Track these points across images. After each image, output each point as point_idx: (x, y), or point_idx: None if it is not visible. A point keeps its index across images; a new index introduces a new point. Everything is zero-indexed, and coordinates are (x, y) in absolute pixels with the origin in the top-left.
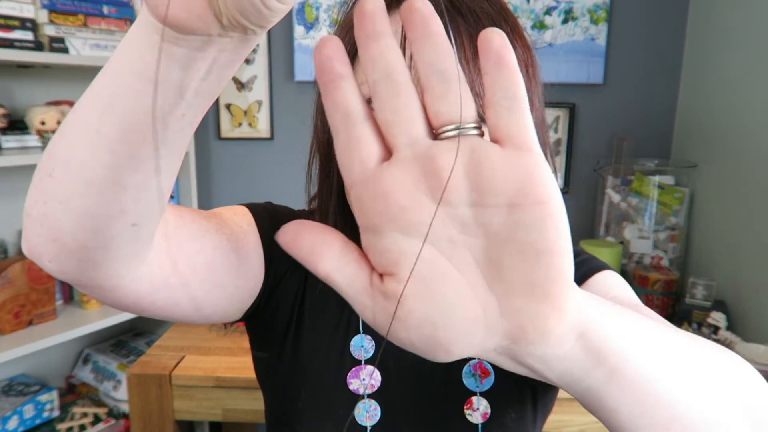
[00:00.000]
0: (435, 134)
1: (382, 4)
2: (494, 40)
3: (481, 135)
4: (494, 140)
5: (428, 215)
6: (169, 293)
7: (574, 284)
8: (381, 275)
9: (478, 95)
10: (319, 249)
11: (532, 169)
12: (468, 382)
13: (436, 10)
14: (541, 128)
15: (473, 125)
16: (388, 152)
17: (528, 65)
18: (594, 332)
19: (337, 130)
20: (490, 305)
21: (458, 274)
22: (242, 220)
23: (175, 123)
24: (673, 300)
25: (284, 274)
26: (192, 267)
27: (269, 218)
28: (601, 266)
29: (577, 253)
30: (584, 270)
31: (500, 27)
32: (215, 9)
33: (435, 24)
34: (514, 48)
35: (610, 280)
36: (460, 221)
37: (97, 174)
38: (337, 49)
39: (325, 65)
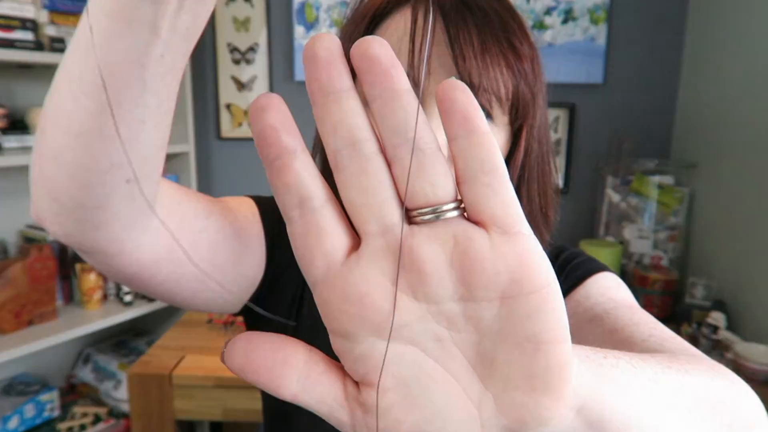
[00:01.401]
0: (408, 216)
1: (338, 47)
2: (458, 98)
3: (463, 213)
4: (475, 221)
5: (410, 316)
6: (172, 268)
7: (571, 361)
8: (357, 382)
9: (486, 90)
10: (278, 372)
11: (524, 256)
12: None
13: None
14: (544, 129)
15: (453, 205)
16: (353, 237)
17: (534, 63)
18: (593, 403)
19: (290, 218)
20: (485, 404)
21: (447, 375)
22: (247, 211)
23: (155, 66)
24: (672, 300)
25: (285, 269)
26: (195, 244)
27: (274, 212)
28: (598, 268)
29: (576, 255)
30: (581, 272)
31: (508, 24)
32: None
33: (400, 77)
34: (521, 45)
35: (606, 283)
36: (446, 318)
37: (83, 124)
38: (282, 114)
39: (269, 138)
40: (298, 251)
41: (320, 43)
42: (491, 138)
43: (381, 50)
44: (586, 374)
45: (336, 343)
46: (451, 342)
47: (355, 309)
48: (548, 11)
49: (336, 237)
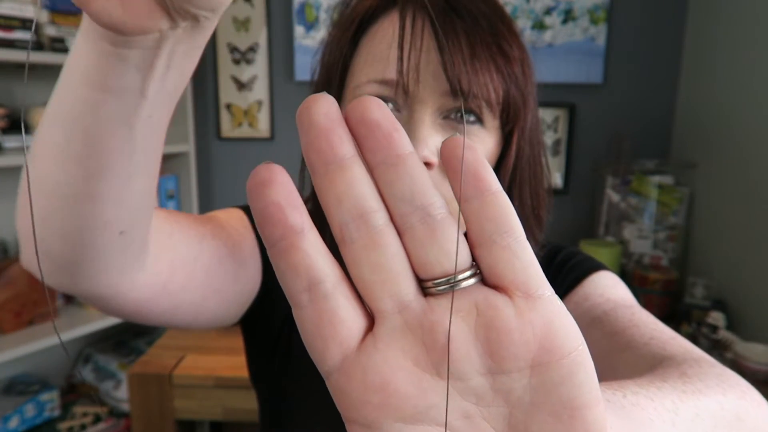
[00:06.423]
0: (423, 287)
1: (336, 110)
2: (466, 157)
3: (480, 278)
4: (494, 287)
5: (436, 396)
6: (169, 299)
7: (606, 421)
8: None
9: (476, 95)
10: None
11: (551, 321)
12: None
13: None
14: (535, 131)
15: (470, 273)
16: (367, 316)
17: (524, 65)
18: None
19: (298, 302)
20: None
21: None
22: (238, 224)
23: (143, 126)
24: (672, 300)
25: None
26: (190, 273)
27: None
28: (595, 267)
29: (573, 255)
30: (579, 272)
31: (496, 26)
32: (161, 1)
33: (402, 141)
34: (511, 48)
35: (604, 281)
36: (474, 393)
37: (71, 189)
38: (286, 188)
39: (272, 215)
40: (308, 339)
41: (316, 108)
42: (504, 196)
43: (380, 113)
44: (615, 424)
45: None
46: (481, 417)
47: (379, 398)
48: (548, 11)
49: (351, 322)
